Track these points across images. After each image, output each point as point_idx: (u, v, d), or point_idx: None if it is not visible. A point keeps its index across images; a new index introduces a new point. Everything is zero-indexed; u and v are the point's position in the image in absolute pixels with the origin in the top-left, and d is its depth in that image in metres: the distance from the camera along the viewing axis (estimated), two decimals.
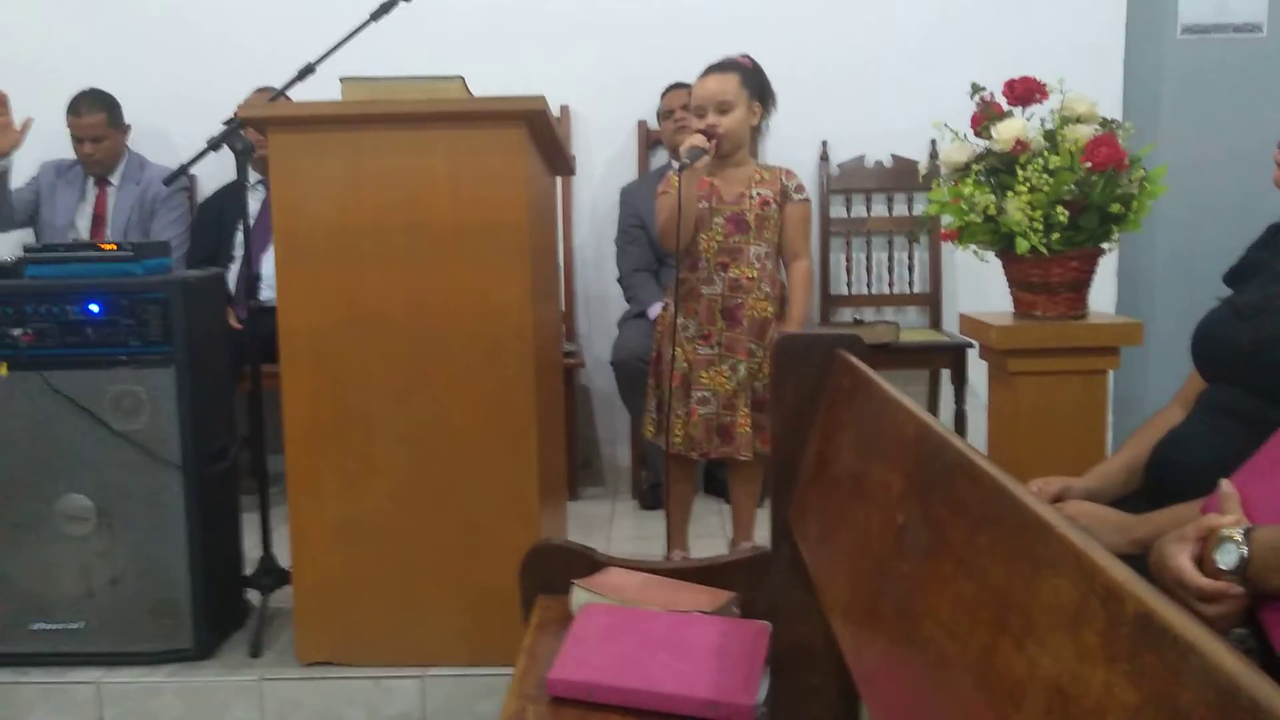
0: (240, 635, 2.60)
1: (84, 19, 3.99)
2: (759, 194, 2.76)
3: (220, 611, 2.58)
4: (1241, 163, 3.69)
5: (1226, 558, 1.13)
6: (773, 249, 2.80)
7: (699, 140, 2.67)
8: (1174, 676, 0.63)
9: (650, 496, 3.67)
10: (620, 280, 3.84)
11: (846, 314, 3.97)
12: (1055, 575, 0.80)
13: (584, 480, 3.97)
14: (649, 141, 4.00)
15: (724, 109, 2.70)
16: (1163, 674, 0.64)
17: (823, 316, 3.95)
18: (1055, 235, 2.28)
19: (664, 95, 3.84)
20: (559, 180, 3.53)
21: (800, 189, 2.83)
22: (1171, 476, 1.56)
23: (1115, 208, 2.31)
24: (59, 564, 2.45)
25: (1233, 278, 1.70)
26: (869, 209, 3.98)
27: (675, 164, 3.55)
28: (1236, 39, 4.00)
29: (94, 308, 2.40)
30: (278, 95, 2.62)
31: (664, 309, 2.88)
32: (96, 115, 3.71)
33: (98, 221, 3.79)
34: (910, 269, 3.98)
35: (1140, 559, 1.31)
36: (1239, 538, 1.12)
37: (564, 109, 3.96)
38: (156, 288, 2.42)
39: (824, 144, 3.96)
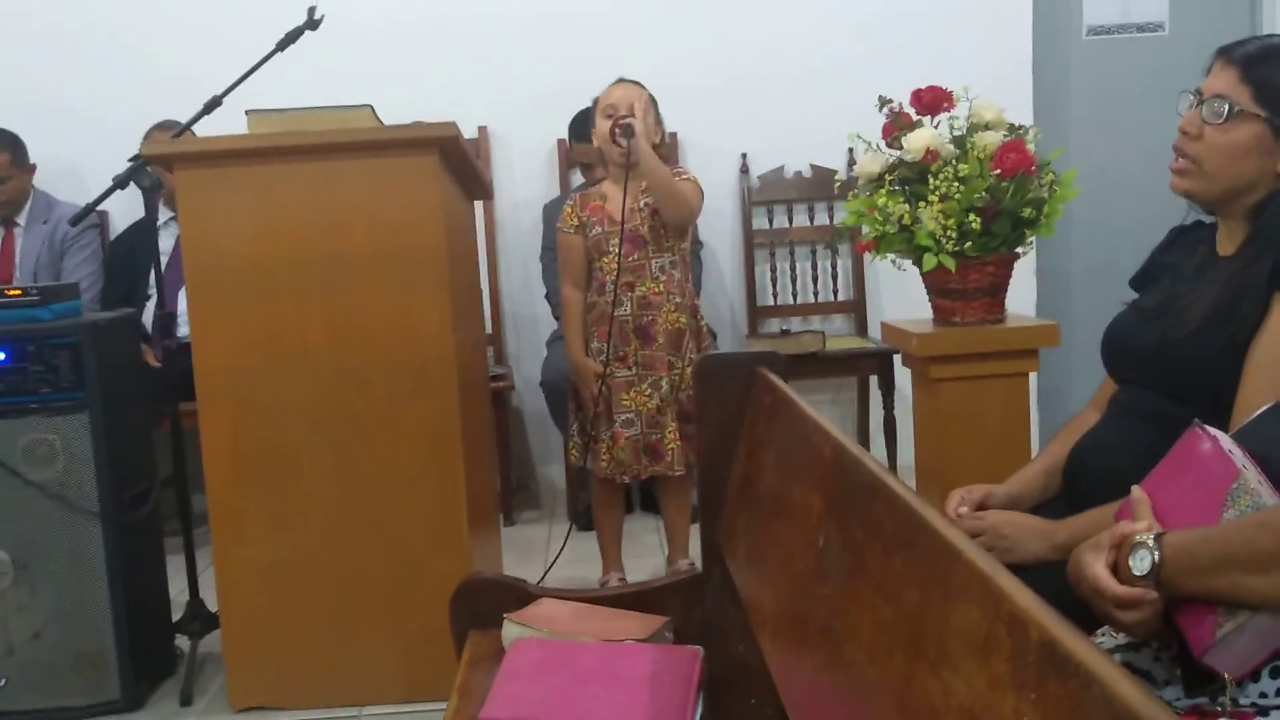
0: (170, 684, 2.54)
1: None
2: (646, 203, 2.74)
3: (148, 660, 2.51)
4: (1151, 161, 3.75)
5: (1140, 564, 1.14)
6: (678, 256, 2.78)
7: (622, 121, 2.65)
8: (1077, 705, 0.63)
9: (586, 517, 3.63)
10: (548, 298, 3.82)
11: (774, 324, 3.98)
12: (964, 601, 0.80)
13: (520, 504, 3.93)
14: (569, 159, 3.99)
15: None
16: (1067, 703, 0.64)
17: (750, 329, 3.97)
18: (968, 243, 2.31)
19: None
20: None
21: (681, 173, 2.82)
22: (1087, 480, 1.58)
23: (1027, 212, 2.34)
24: None
25: (1139, 281, 1.73)
26: (791, 219, 4.00)
27: (590, 185, 3.55)
28: (1140, 39, 4.10)
29: (0, 355, 2.33)
30: (182, 130, 2.57)
31: None
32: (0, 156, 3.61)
33: (5, 265, 3.69)
34: (834, 277, 4.01)
35: (1063, 565, 1.32)
36: (1151, 543, 1.14)
37: (481, 129, 3.94)
38: (66, 332, 2.35)
39: (743, 156, 3.97)
